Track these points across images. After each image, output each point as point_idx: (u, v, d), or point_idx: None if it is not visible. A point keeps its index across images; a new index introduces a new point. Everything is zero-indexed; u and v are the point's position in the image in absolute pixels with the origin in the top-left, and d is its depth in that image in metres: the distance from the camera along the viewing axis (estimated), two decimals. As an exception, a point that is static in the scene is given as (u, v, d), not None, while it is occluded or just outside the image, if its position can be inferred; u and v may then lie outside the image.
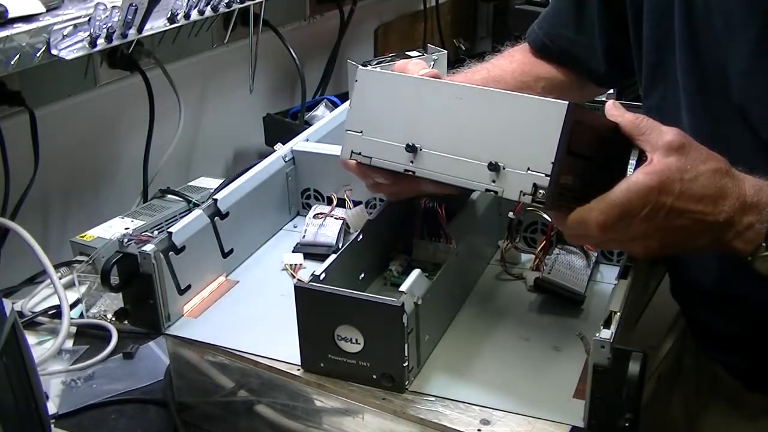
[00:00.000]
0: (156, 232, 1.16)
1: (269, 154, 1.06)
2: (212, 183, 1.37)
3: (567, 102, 0.72)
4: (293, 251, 1.00)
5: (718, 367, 0.93)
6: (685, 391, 1.00)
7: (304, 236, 1.01)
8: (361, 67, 0.84)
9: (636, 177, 0.72)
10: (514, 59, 1.06)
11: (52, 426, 0.87)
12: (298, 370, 0.80)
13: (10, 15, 1.05)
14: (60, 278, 1.10)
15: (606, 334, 0.69)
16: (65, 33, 1.09)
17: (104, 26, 1.13)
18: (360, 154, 0.83)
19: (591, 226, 0.71)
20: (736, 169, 0.74)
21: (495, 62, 1.06)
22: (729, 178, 0.73)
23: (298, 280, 0.92)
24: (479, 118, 0.77)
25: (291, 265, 0.97)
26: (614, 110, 0.76)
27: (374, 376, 0.77)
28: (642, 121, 0.75)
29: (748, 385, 0.90)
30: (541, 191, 0.72)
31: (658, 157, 0.72)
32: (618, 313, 0.73)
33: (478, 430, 0.73)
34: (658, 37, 0.87)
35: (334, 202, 1.04)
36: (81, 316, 1.07)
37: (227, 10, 1.38)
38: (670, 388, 1.02)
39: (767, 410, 0.89)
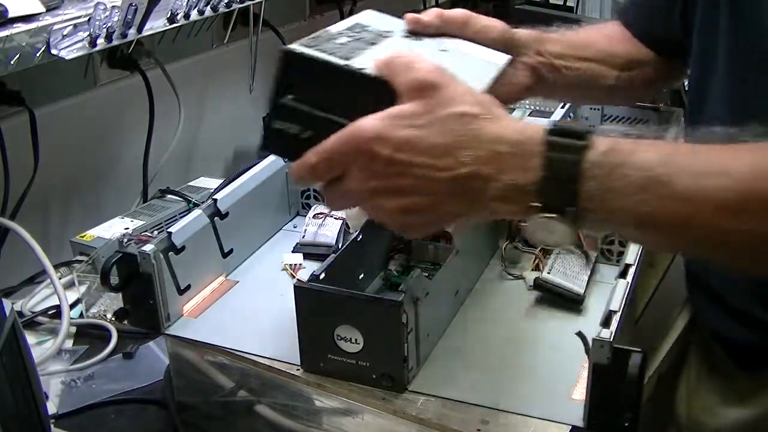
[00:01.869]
0: (156, 232, 1.16)
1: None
2: (212, 183, 1.37)
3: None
4: (293, 251, 1.00)
5: (716, 348, 0.92)
6: (688, 385, 0.99)
7: (303, 236, 1.01)
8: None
9: (358, 121, 0.64)
10: (603, 32, 1.03)
11: (52, 426, 0.87)
12: (298, 370, 0.80)
13: (10, 15, 1.05)
14: (60, 278, 1.10)
15: (605, 333, 0.69)
16: (65, 33, 1.09)
17: (104, 26, 1.13)
18: None
19: (304, 169, 0.66)
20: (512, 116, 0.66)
21: (587, 30, 1.03)
22: (481, 122, 0.63)
23: (298, 280, 0.92)
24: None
25: (291, 265, 0.97)
26: (379, 60, 0.67)
27: (374, 376, 0.77)
28: (396, 59, 0.66)
29: (741, 363, 0.89)
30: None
31: (401, 100, 0.64)
32: (618, 313, 0.73)
33: (478, 430, 0.73)
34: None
35: (334, 202, 1.03)
36: (81, 316, 1.07)
37: (227, 10, 1.38)
38: (672, 385, 1.02)
39: (755, 391, 0.88)
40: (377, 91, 0.65)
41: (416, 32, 0.83)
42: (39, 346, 1.02)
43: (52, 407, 0.92)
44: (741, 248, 0.62)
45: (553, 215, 0.62)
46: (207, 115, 1.64)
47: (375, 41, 0.76)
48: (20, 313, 1.08)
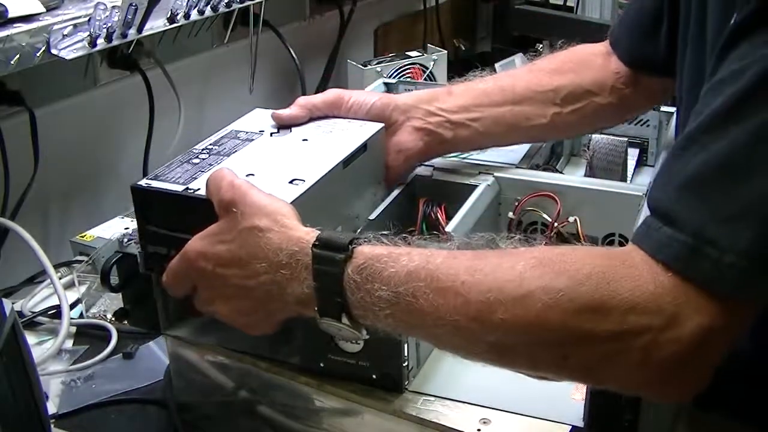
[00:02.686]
0: (156, 232, 1.16)
1: (269, 154, 1.05)
2: (212, 183, 1.37)
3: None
4: (293, 251, 1.00)
5: None
6: None
7: (304, 236, 1.00)
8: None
9: (188, 243, 0.74)
10: (541, 66, 1.02)
11: (52, 426, 0.87)
12: (298, 370, 0.80)
13: (10, 15, 1.05)
14: (60, 278, 1.10)
15: (606, 334, 0.69)
16: (65, 33, 1.09)
17: (104, 26, 1.13)
18: None
19: (164, 285, 0.77)
20: (289, 223, 0.70)
21: (511, 72, 1.04)
22: (267, 234, 0.69)
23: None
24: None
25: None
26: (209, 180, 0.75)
27: (374, 376, 0.77)
28: (210, 180, 0.75)
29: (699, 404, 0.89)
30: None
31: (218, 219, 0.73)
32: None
33: (478, 430, 0.73)
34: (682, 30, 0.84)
35: (334, 202, 1.03)
36: (81, 316, 1.07)
37: (227, 10, 1.38)
38: None
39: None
40: (204, 209, 0.75)
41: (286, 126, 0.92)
42: (39, 346, 1.02)
43: (52, 407, 0.92)
44: (485, 354, 0.66)
45: (332, 321, 0.68)
46: (207, 115, 1.64)
47: (235, 149, 0.86)
48: (20, 313, 1.07)
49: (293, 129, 0.91)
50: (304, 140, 0.89)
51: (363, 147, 0.88)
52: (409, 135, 0.95)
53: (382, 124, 0.92)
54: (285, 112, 0.92)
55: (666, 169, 0.64)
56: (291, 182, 0.79)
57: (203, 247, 0.73)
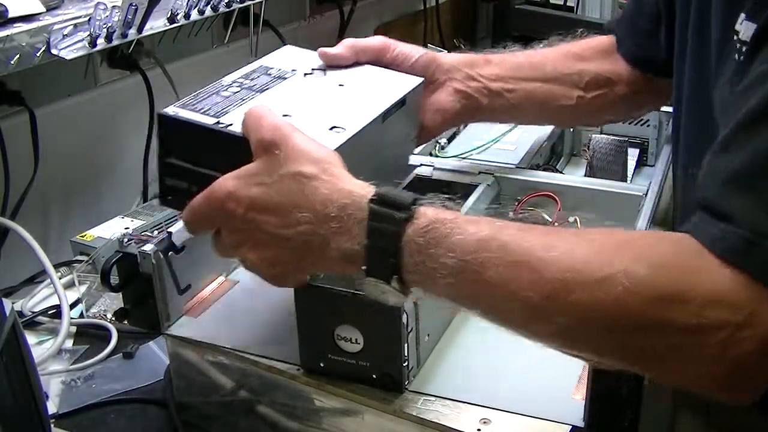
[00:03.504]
0: (156, 232, 1.16)
1: (269, 154, 1.05)
2: (212, 183, 1.37)
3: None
4: (293, 251, 1.00)
5: None
6: None
7: (304, 236, 1.00)
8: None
9: (216, 182, 0.69)
10: (568, 49, 1.01)
11: (52, 426, 0.87)
12: (298, 370, 0.80)
13: (10, 15, 1.05)
14: (60, 278, 1.10)
15: (606, 334, 0.69)
16: (65, 33, 1.09)
17: (104, 26, 1.13)
18: None
19: (183, 223, 0.73)
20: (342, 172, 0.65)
21: (542, 50, 1.01)
22: (314, 183, 0.65)
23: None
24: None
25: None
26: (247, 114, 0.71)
27: (374, 376, 0.77)
28: (248, 116, 0.70)
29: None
30: None
31: (253, 159, 0.68)
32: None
33: (478, 430, 0.73)
34: (680, 18, 0.83)
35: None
36: (81, 316, 1.07)
37: (227, 9, 1.38)
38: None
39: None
40: (240, 147, 0.70)
41: (331, 66, 0.87)
42: (39, 346, 1.02)
43: (52, 407, 0.92)
44: (552, 336, 0.63)
45: (381, 282, 0.65)
46: (207, 115, 1.64)
47: (267, 86, 0.81)
48: (20, 313, 1.08)
49: (328, 72, 0.86)
50: (340, 86, 0.84)
51: (402, 101, 0.84)
52: (449, 96, 0.92)
53: (422, 79, 0.89)
54: (331, 50, 0.88)
55: (710, 168, 0.62)
56: (331, 129, 0.75)
57: (236, 188, 0.67)
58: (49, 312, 1.08)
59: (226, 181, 0.68)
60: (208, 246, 0.91)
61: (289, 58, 0.88)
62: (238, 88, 0.80)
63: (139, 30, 1.19)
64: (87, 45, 1.12)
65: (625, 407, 0.69)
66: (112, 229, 1.22)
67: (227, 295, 0.93)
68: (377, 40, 0.91)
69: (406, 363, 0.76)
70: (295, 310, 0.77)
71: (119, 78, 1.39)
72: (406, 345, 0.75)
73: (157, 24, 1.23)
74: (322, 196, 0.65)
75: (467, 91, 0.93)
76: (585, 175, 1.19)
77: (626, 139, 1.19)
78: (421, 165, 1.00)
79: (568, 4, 1.98)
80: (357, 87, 0.84)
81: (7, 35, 1.03)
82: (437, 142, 1.12)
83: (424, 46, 1.82)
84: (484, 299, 0.63)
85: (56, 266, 1.13)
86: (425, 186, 0.99)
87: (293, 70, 0.85)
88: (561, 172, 1.22)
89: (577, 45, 1.01)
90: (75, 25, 1.10)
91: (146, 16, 1.18)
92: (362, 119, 0.77)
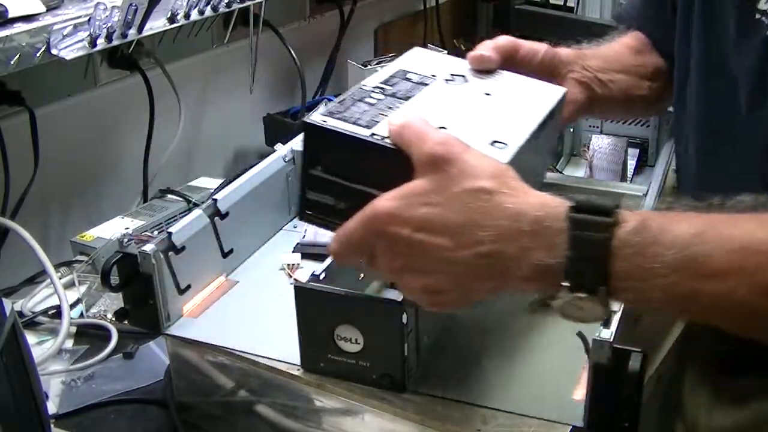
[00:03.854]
0: (156, 232, 1.16)
1: (269, 154, 1.06)
2: (212, 183, 1.37)
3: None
4: (293, 251, 1.00)
5: (705, 350, 0.92)
6: (690, 383, 0.99)
7: (304, 236, 1.01)
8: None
9: (374, 201, 0.63)
10: (626, 43, 1.00)
11: (52, 426, 0.87)
12: (298, 370, 0.80)
13: (10, 15, 1.05)
14: (60, 278, 1.10)
15: (606, 334, 0.69)
16: (65, 33, 1.09)
17: (104, 26, 1.13)
18: None
19: (332, 255, 0.67)
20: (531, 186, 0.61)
21: (612, 44, 1.00)
22: (499, 197, 0.60)
23: (296, 279, 0.92)
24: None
25: (288, 264, 0.97)
26: (390, 123, 0.67)
27: (374, 376, 0.77)
28: (406, 129, 0.65)
29: (727, 367, 0.87)
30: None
31: (415, 176, 0.63)
32: (618, 313, 0.72)
33: (478, 430, 0.73)
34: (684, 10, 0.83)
35: (334, 202, 1.04)
36: (81, 316, 1.07)
37: (227, 10, 1.38)
38: (678, 382, 1.01)
39: (744, 396, 0.88)
40: (398, 161, 0.65)
41: (478, 70, 0.83)
42: (39, 346, 1.02)
43: (52, 407, 0.92)
44: None
45: (584, 295, 0.60)
46: (207, 115, 1.64)
47: (411, 93, 0.76)
48: (20, 313, 1.08)
49: (469, 79, 0.82)
50: (486, 94, 0.79)
51: (551, 114, 0.80)
52: (573, 88, 0.90)
53: (565, 89, 0.86)
54: (481, 53, 0.83)
55: None
56: (492, 144, 0.70)
57: (399, 209, 0.62)
58: (49, 312, 1.08)
59: (387, 202, 0.62)
60: (208, 246, 0.92)
61: (424, 61, 0.84)
62: (382, 95, 0.75)
63: (139, 30, 1.19)
64: (87, 45, 1.12)
65: (625, 407, 0.69)
66: (112, 229, 1.22)
67: (227, 295, 0.93)
68: (505, 40, 0.87)
69: (406, 363, 0.76)
70: (295, 310, 0.77)
71: (119, 78, 1.39)
72: (406, 345, 0.75)
73: (157, 24, 1.23)
74: (509, 211, 0.60)
75: (586, 81, 0.92)
76: (585, 175, 1.19)
77: (626, 139, 1.19)
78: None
79: (568, 4, 1.98)
80: (504, 97, 0.80)
81: (7, 35, 1.03)
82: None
83: (424, 46, 1.82)
84: (706, 293, 0.59)
85: (56, 266, 1.13)
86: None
87: (433, 76, 0.81)
88: (561, 172, 1.22)
89: (629, 39, 1.01)
90: (75, 25, 1.10)
91: (146, 16, 1.18)
92: (521, 134, 0.73)
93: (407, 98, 0.75)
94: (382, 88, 0.77)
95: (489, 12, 2.34)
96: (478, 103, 0.78)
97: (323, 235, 1.00)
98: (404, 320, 0.73)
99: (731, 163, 0.77)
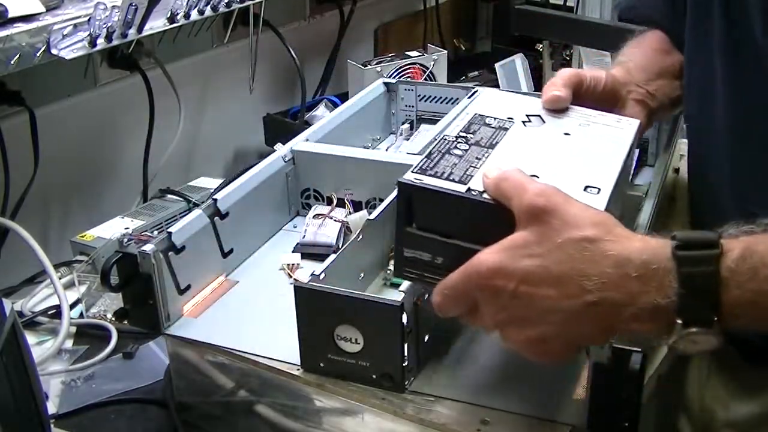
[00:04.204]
0: (156, 232, 1.16)
1: (269, 154, 1.06)
2: (212, 183, 1.37)
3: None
4: (293, 251, 1.00)
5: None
6: (699, 377, 0.98)
7: (304, 236, 1.01)
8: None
9: (477, 256, 0.64)
10: (649, 44, 1.00)
11: (52, 426, 0.87)
12: (298, 370, 0.80)
13: (10, 15, 1.05)
14: (60, 278, 1.10)
15: (606, 334, 0.69)
16: (65, 33, 1.09)
17: (104, 26, 1.13)
18: None
19: (434, 304, 0.67)
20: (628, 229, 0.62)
21: (637, 49, 1.00)
22: (603, 245, 0.61)
23: (296, 279, 0.92)
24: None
25: (288, 264, 0.97)
26: (485, 177, 0.67)
27: (374, 376, 0.77)
28: (504, 182, 0.66)
29: (747, 357, 0.87)
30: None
31: (516, 228, 0.64)
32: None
33: (478, 430, 0.73)
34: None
35: (334, 203, 1.04)
36: (81, 316, 1.07)
37: (227, 10, 1.38)
38: (681, 377, 1.01)
39: (764, 386, 0.88)
40: (495, 214, 0.66)
41: (554, 110, 0.83)
42: (39, 346, 1.02)
43: (52, 407, 0.92)
44: None
45: (698, 329, 0.61)
46: (207, 115, 1.64)
47: (494, 140, 0.77)
48: (20, 313, 1.08)
49: (545, 119, 0.82)
50: (566, 134, 0.79)
51: (630, 149, 0.81)
52: (634, 108, 0.91)
53: (639, 121, 0.85)
54: (557, 95, 0.83)
55: None
56: (585, 189, 0.70)
57: (503, 263, 0.62)
58: (49, 312, 1.08)
59: (490, 256, 0.63)
60: (208, 246, 0.92)
61: (496, 103, 0.84)
62: (467, 145, 0.75)
63: (139, 30, 1.19)
64: (87, 45, 1.12)
65: (625, 407, 0.69)
66: (112, 229, 1.22)
67: (227, 295, 0.93)
68: (570, 73, 0.87)
69: (405, 363, 0.76)
70: (295, 310, 0.77)
71: (119, 78, 1.39)
72: (405, 345, 0.75)
73: (157, 24, 1.23)
74: (615, 259, 0.61)
75: (643, 99, 0.93)
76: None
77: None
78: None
79: (568, 4, 1.98)
80: (582, 136, 0.80)
81: (7, 35, 1.03)
82: (437, 142, 1.12)
83: (424, 46, 1.83)
84: None
85: (56, 266, 1.13)
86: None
87: (510, 119, 0.81)
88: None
89: (652, 40, 1.01)
90: (75, 25, 1.10)
91: (146, 16, 1.18)
92: (610, 176, 0.74)
93: (492, 146, 0.76)
94: (464, 137, 0.77)
95: (489, 12, 2.33)
96: (560, 145, 0.78)
97: (323, 235, 1.00)
98: (404, 320, 0.73)
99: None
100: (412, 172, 0.71)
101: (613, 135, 0.81)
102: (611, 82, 0.90)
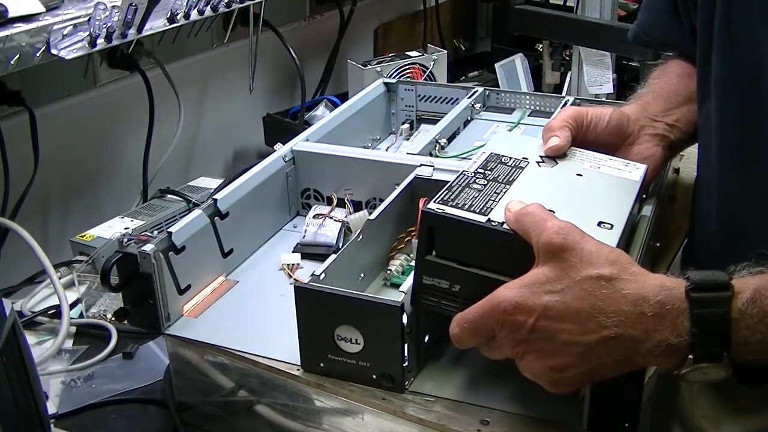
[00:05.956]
0: (156, 232, 1.16)
1: (269, 154, 1.06)
2: (212, 183, 1.37)
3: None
4: (293, 251, 1.00)
5: None
6: (690, 391, 0.99)
7: (304, 236, 1.01)
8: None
9: (497, 291, 0.66)
10: (672, 71, 1.01)
11: (52, 426, 0.87)
12: (298, 370, 0.80)
13: (10, 15, 1.05)
14: (60, 278, 1.10)
15: (606, 334, 0.69)
16: (65, 33, 1.09)
17: (104, 26, 1.13)
18: None
19: (452, 335, 0.69)
20: (642, 269, 0.64)
21: (660, 78, 1.01)
22: (619, 284, 0.63)
23: (296, 279, 0.92)
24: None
25: (288, 264, 0.97)
26: (507, 210, 0.70)
27: (374, 376, 0.77)
28: (525, 216, 0.68)
29: (740, 376, 0.88)
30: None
31: (536, 263, 0.66)
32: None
33: (478, 430, 0.73)
34: (702, 16, 0.83)
35: (334, 202, 1.04)
36: (81, 316, 1.07)
37: (227, 10, 1.38)
38: (675, 385, 1.01)
39: (757, 405, 0.88)
40: (515, 245, 0.69)
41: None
42: (39, 346, 1.02)
43: (52, 407, 0.92)
44: None
45: (708, 364, 0.63)
46: (207, 115, 1.65)
47: (512, 177, 0.81)
48: (20, 313, 1.08)
49: (557, 160, 0.86)
50: (578, 175, 0.84)
51: (640, 191, 0.84)
52: (648, 143, 0.92)
53: (646, 166, 0.88)
54: (556, 144, 0.85)
55: None
56: (599, 224, 0.74)
57: (523, 298, 0.64)
58: (49, 312, 1.08)
59: (510, 291, 0.65)
60: (208, 246, 0.92)
61: (510, 144, 0.88)
62: (485, 180, 0.79)
63: (139, 30, 1.19)
64: (87, 45, 1.12)
65: (625, 408, 0.69)
66: (112, 229, 1.22)
67: (227, 295, 0.93)
68: (570, 111, 0.89)
69: (406, 363, 0.76)
70: (295, 310, 0.77)
71: (119, 78, 1.39)
72: (405, 345, 0.75)
73: (156, 24, 1.23)
74: (631, 297, 0.63)
75: (660, 132, 0.93)
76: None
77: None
78: (421, 165, 1.00)
79: (568, 4, 1.98)
80: (593, 177, 0.84)
81: (7, 35, 1.03)
82: (437, 142, 1.12)
83: (424, 46, 1.83)
84: None
85: (56, 266, 1.13)
86: (425, 186, 0.99)
87: (524, 158, 0.85)
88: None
89: (675, 66, 1.01)
90: (75, 25, 1.10)
91: (146, 16, 1.18)
92: (622, 213, 0.78)
93: (509, 182, 0.79)
94: (482, 173, 0.80)
95: (489, 12, 2.34)
96: (573, 184, 0.82)
97: (323, 235, 1.00)
98: (404, 320, 0.73)
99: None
100: (434, 202, 0.74)
101: (623, 177, 0.85)
102: (617, 119, 0.90)
